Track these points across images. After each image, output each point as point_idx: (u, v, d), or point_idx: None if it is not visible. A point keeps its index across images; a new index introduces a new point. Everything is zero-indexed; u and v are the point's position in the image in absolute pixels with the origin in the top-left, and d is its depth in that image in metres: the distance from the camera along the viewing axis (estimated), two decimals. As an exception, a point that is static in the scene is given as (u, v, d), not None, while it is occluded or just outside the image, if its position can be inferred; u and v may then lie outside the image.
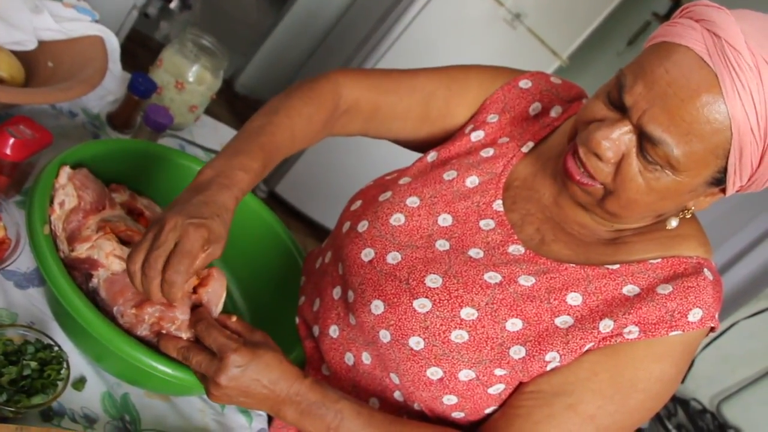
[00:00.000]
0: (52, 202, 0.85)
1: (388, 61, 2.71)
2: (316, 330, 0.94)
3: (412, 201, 0.91)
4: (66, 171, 0.88)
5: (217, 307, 0.82)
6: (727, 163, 0.74)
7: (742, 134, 0.71)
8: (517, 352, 0.81)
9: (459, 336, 0.81)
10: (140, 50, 2.85)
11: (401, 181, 0.95)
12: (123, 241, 0.85)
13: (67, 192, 0.85)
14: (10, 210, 0.89)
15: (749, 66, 0.69)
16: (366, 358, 0.88)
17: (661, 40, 0.75)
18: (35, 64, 1.12)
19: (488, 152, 0.95)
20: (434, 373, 0.82)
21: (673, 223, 0.84)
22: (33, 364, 0.77)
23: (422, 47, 2.71)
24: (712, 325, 0.81)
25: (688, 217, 0.84)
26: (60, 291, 0.76)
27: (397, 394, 0.87)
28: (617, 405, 0.79)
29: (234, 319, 0.82)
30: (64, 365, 0.78)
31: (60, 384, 0.77)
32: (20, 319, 0.84)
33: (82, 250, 0.81)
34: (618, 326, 0.79)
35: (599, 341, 0.79)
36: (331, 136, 1.01)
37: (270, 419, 0.96)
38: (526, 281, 0.84)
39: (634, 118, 0.75)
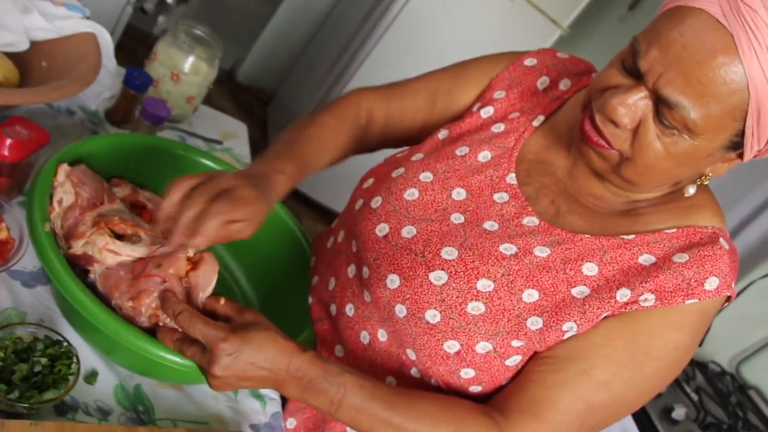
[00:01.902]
0: (51, 200, 0.85)
1: (388, 41, 2.70)
2: (333, 309, 0.94)
3: (426, 176, 0.92)
4: (64, 168, 0.88)
5: (205, 292, 0.82)
6: (744, 125, 0.73)
7: (759, 94, 0.70)
8: (535, 323, 0.81)
9: (476, 308, 0.81)
10: (139, 46, 2.86)
11: (414, 158, 0.96)
12: (118, 236, 0.85)
13: (66, 189, 0.86)
14: (13, 210, 0.90)
15: (766, 24, 0.68)
16: (382, 335, 0.88)
17: (675, 4, 0.74)
18: (29, 65, 1.13)
19: (499, 127, 0.95)
20: (451, 346, 0.82)
21: (691, 190, 0.83)
22: (43, 360, 0.78)
23: (421, 25, 2.69)
24: (729, 294, 0.80)
25: (706, 183, 0.83)
26: (64, 287, 0.76)
27: (413, 371, 0.87)
28: (631, 372, 0.79)
29: (222, 301, 0.81)
30: (74, 360, 0.79)
31: (71, 378, 0.77)
32: (29, 317, 0.85)
33: (77, 247, 0.82)
34: (635, 295, 0.79)
35: (616, 310, 0.79)
36: (359, 153, 1.07)
37: (284, 402, 0.97)
38: (541, 252, 0.83)
39: (649, 82, 0.74)
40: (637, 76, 0.76)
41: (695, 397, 1.97)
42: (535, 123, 0.94)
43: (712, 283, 0.78)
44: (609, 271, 0.81)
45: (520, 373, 0.83)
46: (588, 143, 0.81)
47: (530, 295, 0.81)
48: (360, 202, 0.95)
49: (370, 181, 0.97)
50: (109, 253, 0.81)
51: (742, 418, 2.01)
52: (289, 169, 0.87)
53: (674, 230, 0.83)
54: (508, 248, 0.84)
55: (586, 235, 0.84)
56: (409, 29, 2.69)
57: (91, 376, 0.84)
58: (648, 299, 0.78)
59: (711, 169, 0.81)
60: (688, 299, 0.78)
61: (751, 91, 0.70)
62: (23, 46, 1.10)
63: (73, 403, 0.80)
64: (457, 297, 0.82)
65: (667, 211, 0.85)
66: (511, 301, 0.81)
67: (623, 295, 0.79)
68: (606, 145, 0.79)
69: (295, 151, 0.91)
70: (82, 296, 0.76)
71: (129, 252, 0.82)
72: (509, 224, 0.87)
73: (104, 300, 0.80)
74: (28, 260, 0.88)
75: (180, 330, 0.77)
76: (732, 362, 2.29)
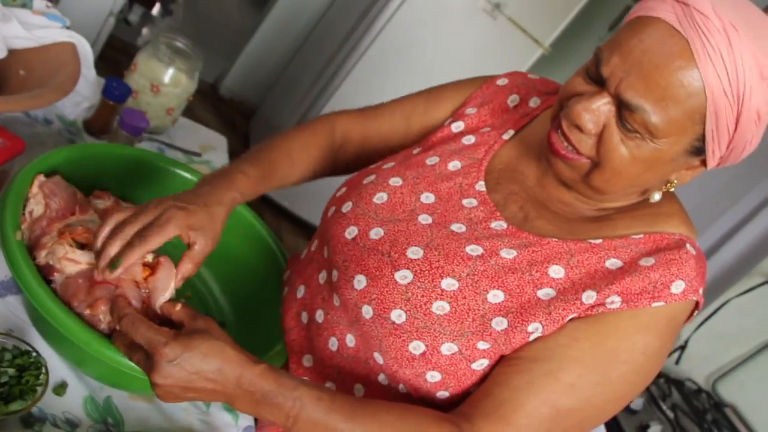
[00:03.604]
0: (24, 210, 0.85)
1: (371, 57, 2.71)
2: (304, 317, 0.94)
3: (395, 181, 0.94)
4: (38, 179, 0.88)
5: (163, 296, 0.81)
6: (704, 129, 0.76)
7: (716, 97, 0.74)
8: (499, 323, 0.81)
9: (440, 307, 0.82)
10: (122, 57, 2.85)
11: (385, 166, 0.98)
12: (82, 245, 0.85)
13: (37, 200, 0.86)
14: (-15, 219, 0.89)
15: (718, 29, 0.72)
16: (350, 340, 0.88)
17: (635, 15, 0.79)
18: (6, 73, 1.12)
19: (470, 140, 0.98)
20: (416, 347, 0.82)
21: (656, 196, 0.85)
22: (11, 370, 0.76)
23: (404, 41, 2.71)
24: (696, 298, 0.81)
25: (672, 190, 0.86)
26: (34, 296, 0.76)
27: (381, 377, 0.87)
28: (599, 375, 0.79)
29: (178, 307, 0.79)
30: (43, 370, 0.78)
31: (39, 389, 0.76)
32: (-2, 327, 0.84)
33: (41, 257, 0.81)
34: (601, 297, 0.80)
35: (582, 311, 0.80)
36: (335, 174, 1.10)
37: None
38: (507, 254, 0.84)
39: (611, 88, 0.77)
40: (600, 83, 0.79)
41: (671, 415, 1.98)
42: (505, 136, 0.97)
43: (678, 287, 0.79)
44: (575, 274, 0.82)
45: (485, 377, 0.83)
46: (556, 155, 0.83)
47: (495, 296, 0.82)
48: (332, 209, 0.96)
49: (343, 189, 0.99)
50: (69, 262, 0.81)
51: (718, 436, 2.02)
52: (252, 172, 0.89)
53: (642, 236, 0.84)
54: (474, 249, 0.85)
55: (554, 239, 0.85)
56: (391, 47, 2.71)
57: (61, 387, 0.83)
58: (614, 302, 0.79)
59: (676, 176, 0.83)
60: (655, 302, 0.79)
61: (707, 94, 0.73)
62: (1, 54, 1.09)
63: (40, 415, 0.79)
64: (422, 296, 0.82)
65: (635, 218, 0.86)
66: (475, 300, 0.82)
67: (589, 297, 0.80)
68: (573, 155, 0.82)
69: (261, 158, 0.93)
70: (51, 305, 0.75)
71: (88, 260, 0.82)
72: (477, 227, 0.88)
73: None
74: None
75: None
76: (708, 380, 2.30)
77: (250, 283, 1.07)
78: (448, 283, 0.83)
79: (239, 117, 3.50)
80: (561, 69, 2.97)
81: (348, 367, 0.90)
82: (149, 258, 0.83)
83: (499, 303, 0.82)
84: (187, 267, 0.81)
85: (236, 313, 1.06)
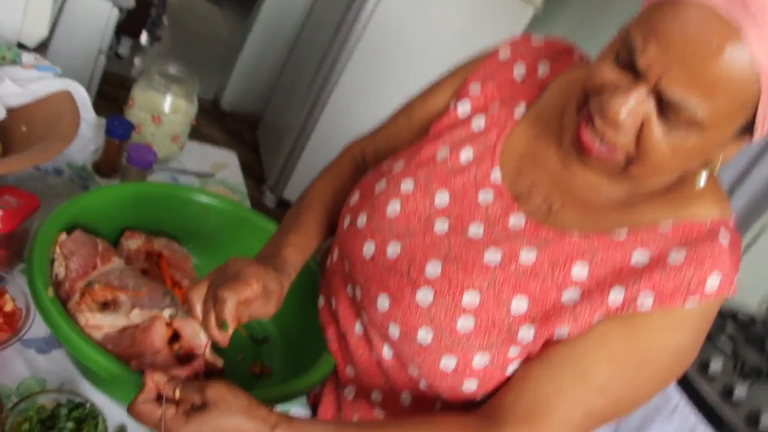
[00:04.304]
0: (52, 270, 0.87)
1: (365, 45, 2.69)
2: (340, 329, 0.93)
3: (407, 186, 0.90)
4: (60, 239, 0.90)
5: (201, 342, 0.83)
6: (756, 112, 0.68)
7: None
8: (526, 332, 0.78)
9: (465, 323, 0.79)
10: (120, 92, 2.85)
11: (395, 167, 0.93)
12: (105, 303, 0.86)
13: (60, 262, 0.88)
14: (15, 281, 0.89)
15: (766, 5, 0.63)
16: (386, 353, 0.88)
17: None
18: (9, 132, 1.12)
19: (480, 123, 0.91)
20: (448, 364, 0.81)
21: (702, 182, 0.78)
22: (69, 424, 0.77)
23: (394, 24, 2.68)
24: (731, 294, 0.76)
25: (715, 172, 0.78)
26: (76, 349, 0.76)
27: (423, 384, 0.86)
28: (630, 375, 0.76)
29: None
30: (100, 419, 0.78)
31: (100, 438, 0.77)
32: (49, 383, 0.85)
33: None
34: (630, 295, 0.75)
35: (611, 311, 0.76)
36: None
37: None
38: (528, 255, 0.80)
39: (651, 81, 0.68)
40: (634, 72, 0.70)
41: (730, 347, 1.95)
42: (517, 115, 0.90)
43: (713, 283, 0.74)
44: (600, 271, 0.78)
45: (512, 378, 0.81)
46: (588, 155, 0.76)
47: (519, 305, 0.79)
48: (347, 219, 0.94)
49: (356, 195, 0.95)
50: (93, 329, 0.82)
51: (780, 360, 1.98)
52: (296, 240, 0.92)
53: (670, 226, 0.78)
54: (493, 254, 0.81)
55: (575, 236, 0.80)
56: (383, 31, 2.68)
57: (121, 431, 0.83)
58: (645, 301, 0.75)
59: (722, 154, 0.75)
60: (688, 300, 0.74)
61: (762, 80, 0.65)
62: (1, 115, 1.09)
63: (106, 463, 0.79)
64: (445, 315, 0.80)
65: (666, 201, 0.80)
66: (499, 312, 0.79)
67: (616, 295, 0.76)
68: (608, 154, 0.74)
69: (299, 223, 0.96)
70: (95, 355, 0.76)
71: (111, 322, 0.83)
72: (495, 227, 0.84)
73: None
74: (40, 327, 0.87)
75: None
76: (761, 306, 2.26)
77: (288, 296, 1.06)
78: (470, 297, 0.80)
79: (245, 128, 3.50)
80: (555, 27, 2.92)
81: (391, 376, 0.89)
82: (165, 315, 0.85)
83: (523, 313, 0.79)
84: (244, 314, 0.79)
85: (278, 327, 1.06)
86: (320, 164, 1.14)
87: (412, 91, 1.04)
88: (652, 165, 0.73)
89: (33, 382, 0.84)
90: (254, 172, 3.14)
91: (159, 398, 0.71)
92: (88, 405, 0.79)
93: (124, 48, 3.51)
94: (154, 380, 0.71)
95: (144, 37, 3.69)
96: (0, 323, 0.85)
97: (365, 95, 2.78)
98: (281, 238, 0.92)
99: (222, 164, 1.46)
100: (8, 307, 0.87)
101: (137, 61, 3.64)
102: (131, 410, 0.71)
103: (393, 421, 0.81)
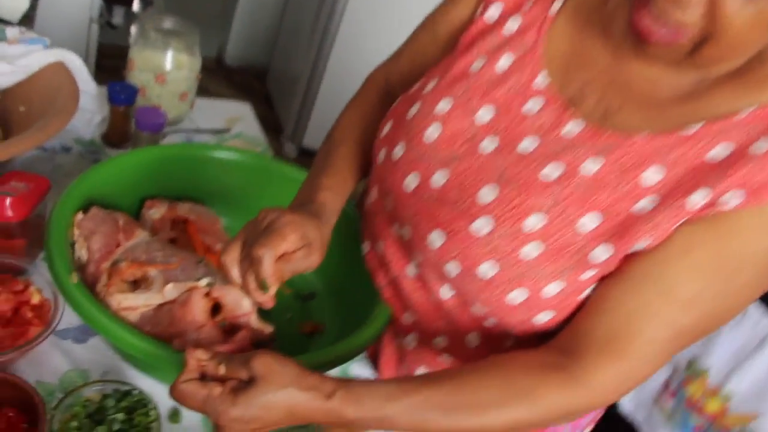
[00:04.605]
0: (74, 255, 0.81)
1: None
2: (392, 274, 0.86)
3: (443, 105, 0.80)
4: (76, 219, 0.83)
5: (245, 309, 0.77)
6: None
7: None
8: (602, 252, 0.70)
9: (531, 250, 0.71)
10: (120, 63, 2.76)
11: (428, 87, 0.84)
12: (135, 281, 0.80)
13: (80, 244, 0.81)
14: (39, 270, 0.83)
15: None
16: (445, 294, 0.80)
17: None
18: (8, 114, 1.05)
19: (512, 25, 0.81)
20: (515, 297, 0.73)
21: None
22: (119, 415, 0.72)
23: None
24: None
25: None
26: (110, 335, 0.70)
27: (489, 323, 0.79)
28: (720, 286, 0.67)
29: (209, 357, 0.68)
30: (150, 405, 0.73)
31: (154, 426, 0.72)
32: (92, 374, 0.80)
33: None
34: (715, 195, 0.65)
35: (694, 215, 0.66)
36: None
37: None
38: (593, 165, 0.71)
39: None
40: None
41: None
42: (553, 10, 0.80)
43: None
44: (677, 172, 0.68)
45: (589, 299, 0.72)
46: (648, 42, 0.66)
47: (589, 221, 0.70)
48: (383, 152, 0.85)
49: (389, 125, 0.87)
50: (127, 312, 0.75)
51: None
52: (330, 182, 0.84)
53: (749, 111, 0.68)
54: (553, 169, 0.72)
55: (642, 136, 0.70)
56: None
57: (174, 415, 0.78)
58: (732, 199, 0.65)
59: None
60: None
61: None
62: (-6, 97, 1.02)
63: (165, 448, 0.74)
64: (508, 244, 0.72)
65: (742, 84, 0.69)
66: (569, 233, 0.70)
67: (700, 196, 0.66)
68: (672, 38, 0.65)
69: (330, 163, 0.87)
70: (134, 340, 0.70)
71: (144, 302, 0.76)
72: (549, 137, 0.75)
73: None
74: (71, 315, 0.81)
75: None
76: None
77: (330, 245, 0.99)
78: (534, 221, 0.71)
79: (254, 80, 3.41)
80: None
81: (454, 318, 0.81)
82: (202, 283, 0.78)
83: (594, 229, 0.70)
84: (285, 270, 0.72)
85: (324, 280, 0.99)
86: (337, 105, 1.04)
87: (421, 14, 0.94)
88: (728, 43, 0.63)
89: (75, 374, 0.79)
90: (270, 125, 3.05)
91: (203, 377, 0.64)
92: (136, 392, 0.74)
93: (118, 17, 3.39)
94: (196, 358, 0.65)
95: (136, 3, 3.58)
96: (30, 317, 0.80)
97: (373, 26, 2.65)
98: (313, 181, 0.84)
99: (237, 118, 1.37)
100: (35, 299, 0.81)
101: (133, 29, 3.53)
102: (173, 392, 0.64)
103: (459, 369, 0.72)
